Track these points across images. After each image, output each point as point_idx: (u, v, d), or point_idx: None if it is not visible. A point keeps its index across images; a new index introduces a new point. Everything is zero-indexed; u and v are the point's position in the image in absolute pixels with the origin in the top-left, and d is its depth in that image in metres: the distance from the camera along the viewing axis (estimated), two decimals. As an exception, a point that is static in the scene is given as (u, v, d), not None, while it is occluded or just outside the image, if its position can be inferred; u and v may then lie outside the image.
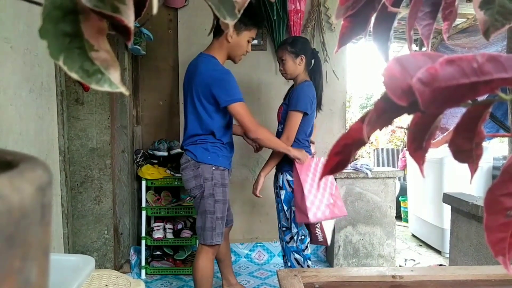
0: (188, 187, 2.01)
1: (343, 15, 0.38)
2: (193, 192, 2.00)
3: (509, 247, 0.26)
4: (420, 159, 0.28)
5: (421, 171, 0.28)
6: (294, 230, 2.11)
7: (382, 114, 0.24)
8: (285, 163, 2.12)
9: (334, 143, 0.27)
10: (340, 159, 0.27)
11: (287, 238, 2.15)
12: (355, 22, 0.40)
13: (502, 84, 0.22)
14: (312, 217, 1.93)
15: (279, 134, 2.18)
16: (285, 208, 2.12)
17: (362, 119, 0.25)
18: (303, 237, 2.14)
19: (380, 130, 0.25)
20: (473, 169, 0.28)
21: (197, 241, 2.28)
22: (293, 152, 2.03)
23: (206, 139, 1.98)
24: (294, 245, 2.13)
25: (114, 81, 0.28)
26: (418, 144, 0.27)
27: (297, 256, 2.13)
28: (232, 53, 2.03)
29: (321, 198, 1.99)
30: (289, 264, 2.14)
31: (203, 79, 1.94)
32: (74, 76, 0.27)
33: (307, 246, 2.17)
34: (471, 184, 3.18)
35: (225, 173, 2.01)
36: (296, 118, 2.06)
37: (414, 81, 0.22)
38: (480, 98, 0.24)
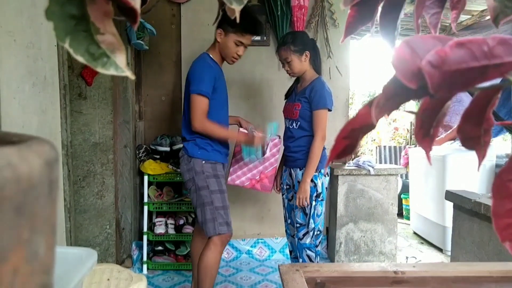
0: (184, 179, 2.10)
1: (351, 3, 0.37)
2: (188, 184, 2.08)
3: None
4: (427, 146, 0.28)
5: (428, 158, 0.28)
6: (312, 225, 2.11)
7: (391, 97, 0.23)
8: (306, 160, 2.13)
9: (342, 127, 0.26)
10: (347, 143, 0.26)
11: (301, 234, 2.15)
12: (362, 11, 0.40)
13: (513, 67, 0.22)
14: (229, 180, 2.23)
15: (291, 131, 2.19)
16: (308, 204, 2.11)
17: (369, 104, 0.25)
18: (318, 232, 2.15)
19: (388, 115, 0.25)
20: (481, 155, 0.28)
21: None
22: (240, 137, 2.12)
23: (194, 139, 2.06)
24: (308, 241, 2.13)
25: (120, 65, 0.28)
26: (425, 130, 0.27)
27: (309, 252, 2.13)
28: (222, 53, 2.09)
29: (245, 171, 2.22)
30: (300, 260, 2.14)
31: (188, 75, 2.07)
32: (80, 59, 0.27)
33: (320, 242, 2.18)
34: (474, 182, 3.18)
35: (216, 166, 2.07)
36: (325, 116, 2.10)
37: (423, 63, 0.21)
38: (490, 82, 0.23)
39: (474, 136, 0.27)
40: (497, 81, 0.24)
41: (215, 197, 2.02)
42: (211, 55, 2.07)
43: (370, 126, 0.25)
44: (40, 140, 0.19)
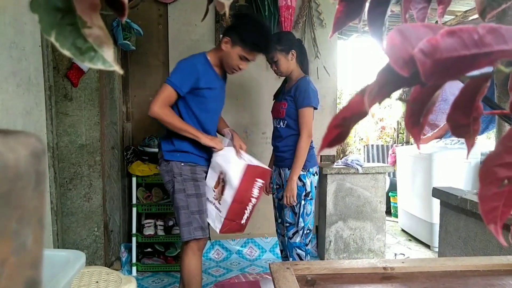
0: (164, 181, 2.04)
1: (339, -3, 0.38)
2: (167, 186, 2.02)
3: (501, 216, 0.26)
4: (417, 135, 0.28)
5: (418, 146, 0.29)
6: (301, 224, 2.12)
7: (383, 85, 0.23)
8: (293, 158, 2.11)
9: (334, 116, 0.27)
10: (339, 131, 0.27)
11: (290, 233, 2.15)
12: (350, 6, 0.40)
13: (502, 56, 0.22)
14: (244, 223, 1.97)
15: (279, 131, 2.19)
16: (296, 203, 2.11)
17: (361, 92, 0.25)
18: (308, 231, 2.16)
19: (380, 103, 0.25)
20: (470, 144, 0.29)
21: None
22: (204, 140, 1.91)
23: (172, 141, 1.98)
24: (298, 240, 2.13)
25: (108, 59, 0.27)
26: (415, 119, 0.27)
27: (299, 251, 2.14)
28: (223, 62, 1.98)
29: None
30: (290, 259, 2.14)
31: None
32: (67, 53, 0.27)
33: (310, 241, 2.19)
34: (460, 179, 3.23)
35: (196, 168, 1.99)
36: (310, 114, 2.09)
37: (416, 51, 0.21)
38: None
39: (463, 124, 0.27)
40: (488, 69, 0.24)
41: (191, 201, 1.94)
42: (209, 58, 1.98)
43: (362, 114, 0.25)
44: (26, 133, 0.19)
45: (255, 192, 1.92)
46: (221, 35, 1.99)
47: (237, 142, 2.03)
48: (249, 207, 1.94)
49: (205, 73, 1.94)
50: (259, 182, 1.92)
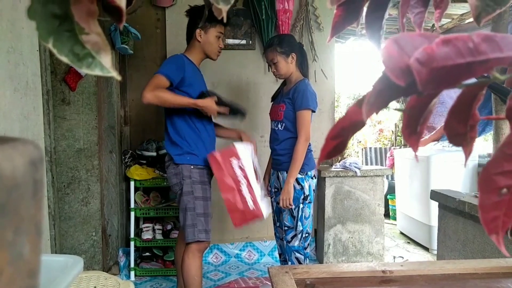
0: (170, 184, 2.09)
1: (337, 2, 0.38)
2: (174, 188, 2.07)
3: (502, 226, 0.26)
4: (414, 144, 0.28)
5: (416, 157, 0.29)
6: (300, 228, 2.11)
7: (380, 94, 0.23)
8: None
9: (331, 127, 0.27)
10: (337, 143, 0.27)
11: (289, 237, 2.14)
12: (348, 10, 0.40)
13: (497, 63, 0.22)
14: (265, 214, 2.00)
15: (276, 133, 2.19)
16: (293, 206, 2.11)
17: (358, 103, 0.25)
18: (306, 235, 2.15)
19: (377, 113, 0.25)
20: (467, 151, 0.29)
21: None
22: (200, 103, 1.97)
23: (180, 146, 2.04)
24: (296, 243, 2.13)
25: (106, 65, 0.27)
26: (413, 128, 0.27)
27: (298, 255, 2.13)
28: (206, 51, 2.10)
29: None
30: (289, 263, 2.13)
31: None
32: (64, 59, 0.27)
33: (309, 244, 2.19)
34: (458, 181, 3.23)
35: (204, 171, 2.06)
36: (308, 117, 2.10)
37: (412, 61, 0.22)
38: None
39: (460, 132, 0.27)
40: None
41: (198, 203, 2.01)
42: (189, 57, 2.08)
43: (360, 124, 0.25)
44: (23, 140, 0.19)
45: (238, 172, 1.93)
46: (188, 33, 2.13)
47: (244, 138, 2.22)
48: (244, 189, 1.93)
49: (189, 65, 2.04)
50: (235, 161, 1.94)
